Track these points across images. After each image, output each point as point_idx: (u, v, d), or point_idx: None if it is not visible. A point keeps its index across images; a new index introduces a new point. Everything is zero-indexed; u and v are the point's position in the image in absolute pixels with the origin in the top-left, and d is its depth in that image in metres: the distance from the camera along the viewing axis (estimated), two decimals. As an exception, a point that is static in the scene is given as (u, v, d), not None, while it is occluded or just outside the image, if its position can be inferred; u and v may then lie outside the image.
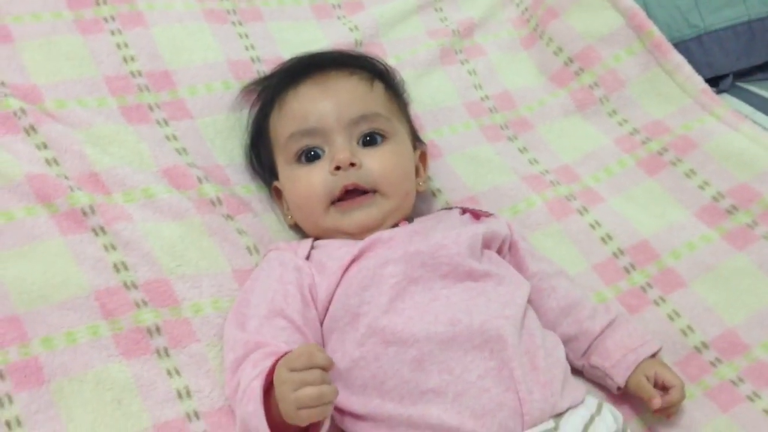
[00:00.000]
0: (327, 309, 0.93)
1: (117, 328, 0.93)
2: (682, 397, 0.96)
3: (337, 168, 0.99)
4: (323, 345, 0.93)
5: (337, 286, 0.93)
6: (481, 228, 1.02)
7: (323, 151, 1.03)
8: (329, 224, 1.01)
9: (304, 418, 0.79)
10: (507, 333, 0.88)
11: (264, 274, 0.97)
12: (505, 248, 1.05)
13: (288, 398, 0.78)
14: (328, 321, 0.93)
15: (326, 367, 0.80)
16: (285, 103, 1.07)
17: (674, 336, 1.07)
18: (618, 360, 0.98)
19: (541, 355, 0.90)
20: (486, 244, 1.01)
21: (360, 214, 1.01)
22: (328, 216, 1.01)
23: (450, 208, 1.12)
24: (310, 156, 1.03)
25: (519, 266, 1.05)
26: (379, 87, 1.09)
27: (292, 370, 0.79)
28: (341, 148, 1.01)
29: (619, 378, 0.98)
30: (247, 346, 0.88)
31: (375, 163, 1.01)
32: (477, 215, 1.08)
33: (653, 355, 1.00)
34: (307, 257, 0.98)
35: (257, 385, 0.81)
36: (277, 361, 0.82)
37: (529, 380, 0.87)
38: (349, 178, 1.00)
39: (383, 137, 1.04)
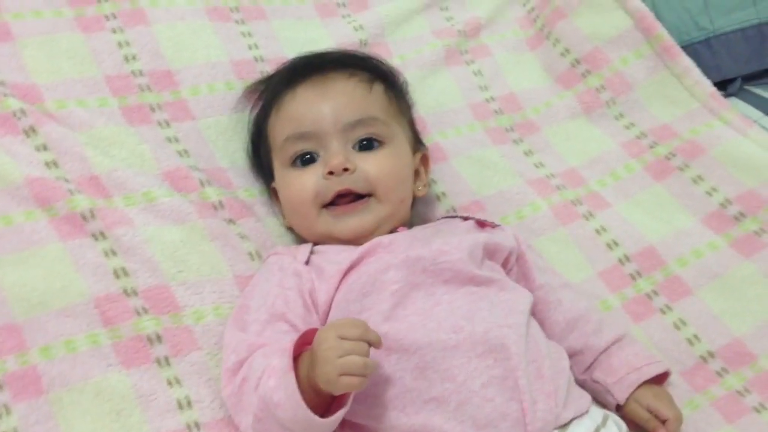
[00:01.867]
0: (327, 314, 0.92)
1: (117, 336, 0.91)
2: (678, 429, 0.95)
3: (331, 173, 0.98)
4: None
5: (336, 291, 0.92)
6: (483, 237, 1.00)
7: (318, 156, 1.01)
8: (322, 229, 1.00)
9: (343, 385, 0.77)
10: (511, 341, 0.87)
11: (263, 278, 0.96)
12: (512, 260, 1.04)
13: (333, 362, 0.77)
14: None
15: (376, 345, 0.80)
16: (282, 105, 1.06)
17: (680, 345, 1.06)
18: (621, 377, 0.97)
19: (547, 365, 0.89)
20: (488, 255, 1.00)
21: (354, 220, 0.99)
22: (320, 220, 1.00)
23: (453, 216, 1.10)
24: (305, 160, 1.02)
25: (526, 278, 1.04)
26: (378, 89, 1.07)
27: (343, 337, 0.78)
28: (335, 152, 0.99)
29: (620, 395, 0.96)
30: (251, 348, 0.87)
31: (370, 167, 0.99)
32: (482, 224, 1.07)
33: (659, 379, 0.99)
34: (307, 262, 0.97)
35: (280, 361, 0.80)
36: (301, 339, 0.82)
37: (533, 390, 0.86)
38: (342, 184, 0.98)
39: (380, 142, 1.03)
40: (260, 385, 0.81)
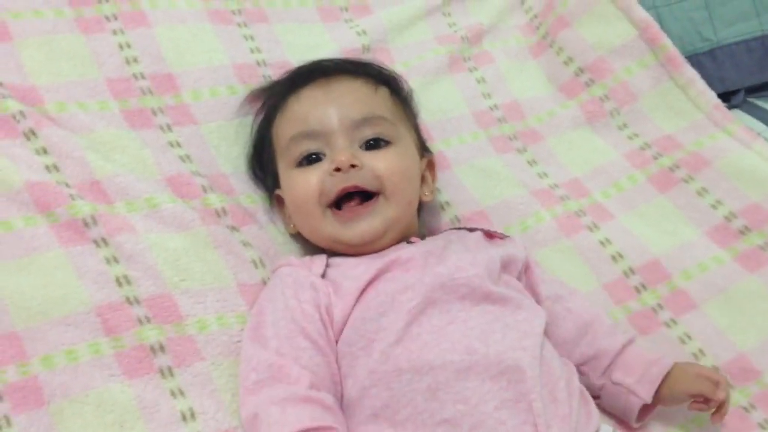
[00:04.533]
0: (341, 331, 0.90)
1: (119, 346, 0.89)
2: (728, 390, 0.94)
3: (337, 169, 0.96)
4: (339, 368, 0.89)
5: (353, 308, 0.90)
6: (498, 251, 0.99)
7: (324, 155, 0.99)
8: (328, 232, 0.98)
9: None
10: (525, 364, 0.85)
11: (278, 291, 0.93)
12: (522, 271, 1.03)
13: None
14: (341, 345, 0.89)
15: None
16: (287, 106, 1.04)
17: (686, 359, 1.05)
18: (642, 374, 0.95)
19: (560, 387, 0.87)
20: (504, 268, 0.98)
21: (361, 224, 0.97)
22: (326, 222, 0.98)
23: (459, 228, 1.09)
24: (311, 159, 1.00)
25: (533, 288, 1.02)
26: (383, 92, 1.06)
27: None
28: (342, 149, 0.97)
29: (645, 393, 0.95)
30: (271, 370, 0.85)
31: (378, 163, 0.98)
32: (490, 235, 1.05)
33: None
34: (323, 275, 0.95)
35: None
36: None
37: (548, 414, 0.84)
38: (348, 180, 0.96)
39: (387, 142, 1.01)
40: None
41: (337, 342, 0.90)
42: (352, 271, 0.94)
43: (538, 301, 1.00)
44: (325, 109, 1.00)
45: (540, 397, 0.84)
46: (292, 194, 1.01)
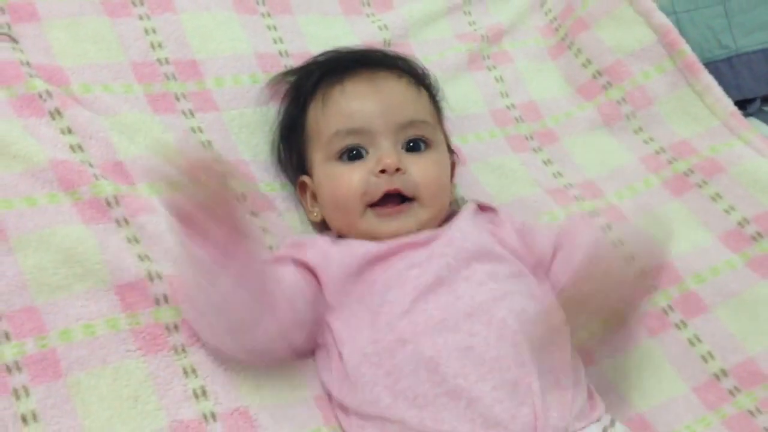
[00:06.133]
0: (340, 287, 0.93)
1: (136, 323, 0.91)
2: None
3: (383, 171, 0.98)
4: (330, 329, 0.93)
5: (358, 273, 0.93)
6: (494, 225, 1.02)
7: (366, 152, 1.01)
8: (365, 227, 1.00)
9: None
10: (526, 349, 0.87)
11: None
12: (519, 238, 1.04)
13: None
14: (340, 312, 0.92)
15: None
16: (330, 98, 1.04)
17: (694, 361, 1.07)
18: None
19: (566, 374, 0.89)
20: (500, 239, 1.00)
21: (397, 222, 0.99)
22: (364, 218, 0.99)
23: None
24: (352, 155, 1.01)
25: (532, 249, 1.02)
26: (425, 93, 1.08)
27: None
28: (388, 151, 0.99)
29: None
30: None
31: (418, 171, 1.00)
32: (483, 208, 1.08)
33: None
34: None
35: None
36: None
37: (550, 398, 0.86)
38: (392, 183, 0.98)
39: (427, 145, 1.03)
40: None
41: (335, 303, 0.93)
42: (362, 245, 0.96)
43: (545, 260, 1.01)
44: (373, 109, 1.01)
45: (539, 380, 0.86)
46: (332, 188, 1.02)
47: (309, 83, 1.09)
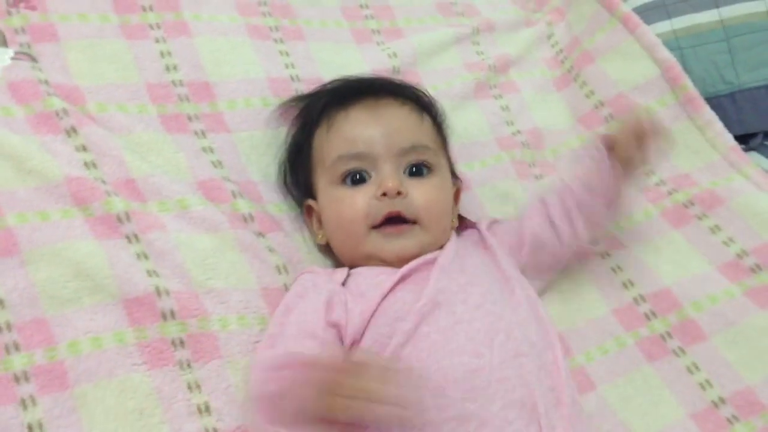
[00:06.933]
0: (360, 336, 0.93)
1: (142, 337, 0.93)
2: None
3: (384, 194, 1.00)
4: None
5: (373, 314, 0.93)
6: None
7: (369, 176, 1.03)
8: (369, 248, 1.02)
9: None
10: (527, 371, 0.89)
11: (296, 297, 0.97)
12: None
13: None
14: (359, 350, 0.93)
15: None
16: (334, 123, 1.07)
17: (692, 388, 1.08)
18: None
19: (567, 393, 0.91)
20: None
21: (399, 243, 1.01)
22: (368, 240, 1.01)
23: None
24: (355, 179, 1.03)
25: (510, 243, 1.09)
26: (428, 120, 1.11)
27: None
28: (390, 175, 1.01)
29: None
30: (277, 357, 0.87)
31: (420, 195, 1.02)
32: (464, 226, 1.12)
33: None
34: (343, 284, 0.98)
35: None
36: None
37: (552, 415, 0.88)
38: (393, 206, 1.00)
39: (429, 170, 1.05)
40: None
41: (354, 348, 0.93)
42: (374, 279, 0.97)
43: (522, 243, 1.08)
44: (375, 134, 1.04)
45: (542, 397, 0.88)
46: (336, 212, 1.04)
47: (315, 110, 1.12)
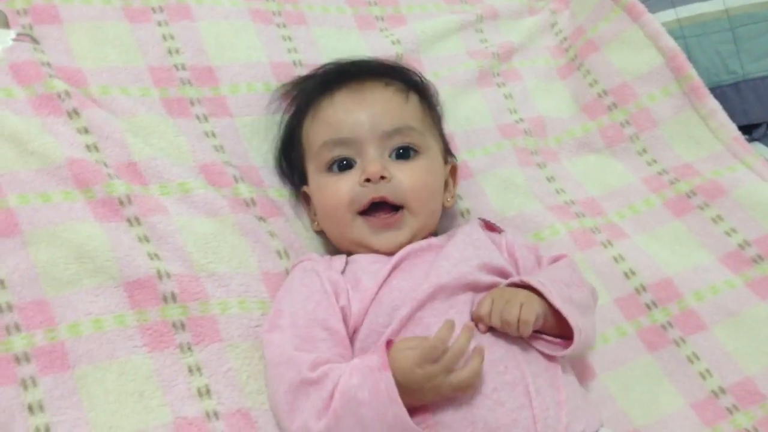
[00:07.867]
0: (359, 328, 0.93)
1: (143, 320, 0.93)
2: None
3: (367, 180, 0.99)
4: None
5: (371, 303, 0.93)
6: (485, 255, 1.01)
7: (355, 162, 1.03)
8: (356, 236, 1.01)
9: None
10: (520, 353, 0.91)
11: (298, 283, 0.97)
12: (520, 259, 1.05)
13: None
14: (356, 341, 0.93)
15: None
16: (319, 110, 1.07)
17: (693, 378, 1.08)
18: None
19: (561, 373, 0.92)
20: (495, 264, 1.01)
21: (390, 234, 1.01)
22: (354, 227, 1.01)
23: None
24: (342, 165, 1.03)
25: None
26: (414, 99, 1.09)
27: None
28: (372, 160, 1.01)
29: None
30: (317, 367, 0.87)
31: (405, 178, 1.01)
32: (490, 227, 1.09)
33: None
34: (342, 272, 0.98)
35: (368, 360, 0.84)
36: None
37: (546, 399, 0.88)
38: (378, 191, 1.00)
39: (416, 151, 1.04)
40: (340, 384, 0.83)
41: (353, 338, 0.93)
42: (370, 267, 0.97)
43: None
44: (358, 118, 1.03)
45: (534, 380, 0.88)
46: (322, 199, 1.04)
47: (303, 98, 1.12)
